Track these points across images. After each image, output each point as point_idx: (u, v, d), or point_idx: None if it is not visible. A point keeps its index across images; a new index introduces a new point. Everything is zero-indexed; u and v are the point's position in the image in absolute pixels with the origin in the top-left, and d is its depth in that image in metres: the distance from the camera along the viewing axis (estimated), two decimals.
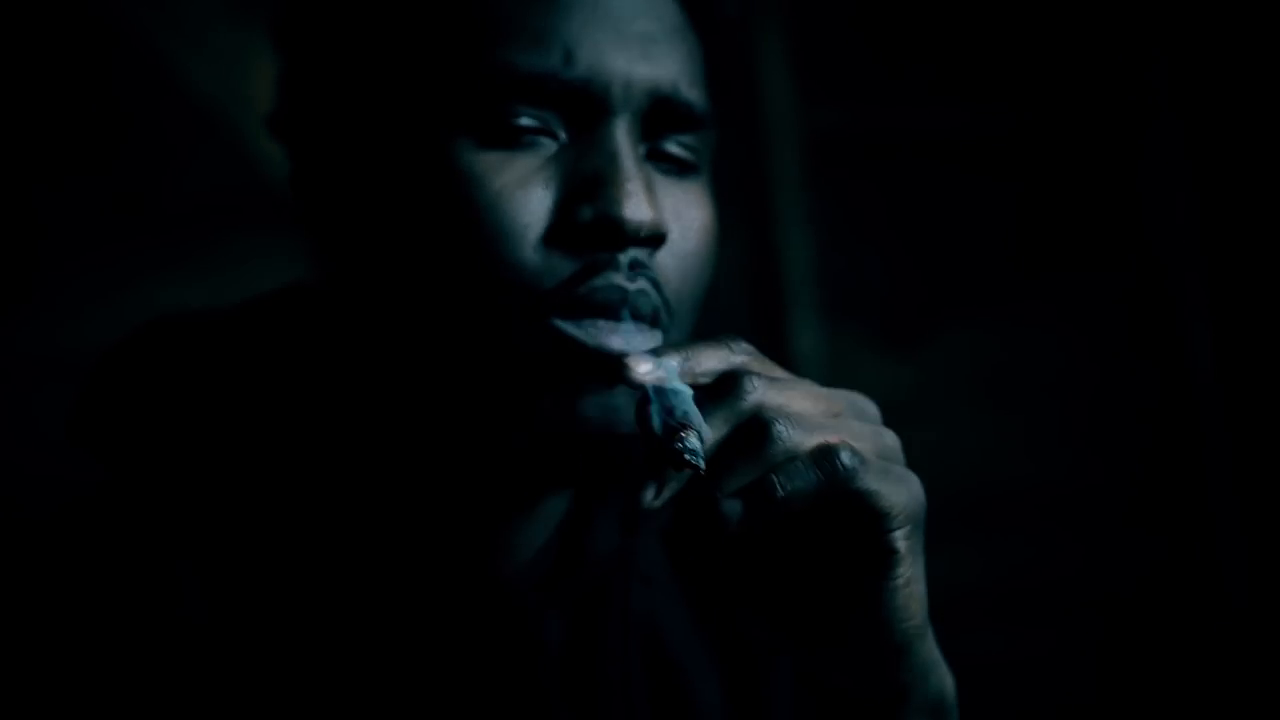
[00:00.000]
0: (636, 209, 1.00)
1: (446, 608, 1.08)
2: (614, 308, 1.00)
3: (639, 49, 1.03)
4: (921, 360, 2.95)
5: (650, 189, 1.02)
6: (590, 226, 1.00)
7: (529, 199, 1.00)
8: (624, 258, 1.01)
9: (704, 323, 1.09)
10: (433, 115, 1.02)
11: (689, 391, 0.92)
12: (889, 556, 0.93)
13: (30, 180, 2.40)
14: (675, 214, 1.05)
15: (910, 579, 0.95)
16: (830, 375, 2.86)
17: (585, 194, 1.01)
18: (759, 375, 0.93)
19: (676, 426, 0.90)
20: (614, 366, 0.94)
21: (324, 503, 1.08)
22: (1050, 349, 3.00)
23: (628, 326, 1.01)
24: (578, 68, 1.01)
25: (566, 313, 1.00)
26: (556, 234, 1.01)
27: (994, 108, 3.02)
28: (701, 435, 0.90)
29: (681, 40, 1.06)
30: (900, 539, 0.93)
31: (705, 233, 1.07)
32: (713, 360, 0.94)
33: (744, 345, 0.96)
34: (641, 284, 1.02)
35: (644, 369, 0.92)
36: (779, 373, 0.95)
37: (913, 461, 0.97)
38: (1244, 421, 3.01)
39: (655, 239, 1.02)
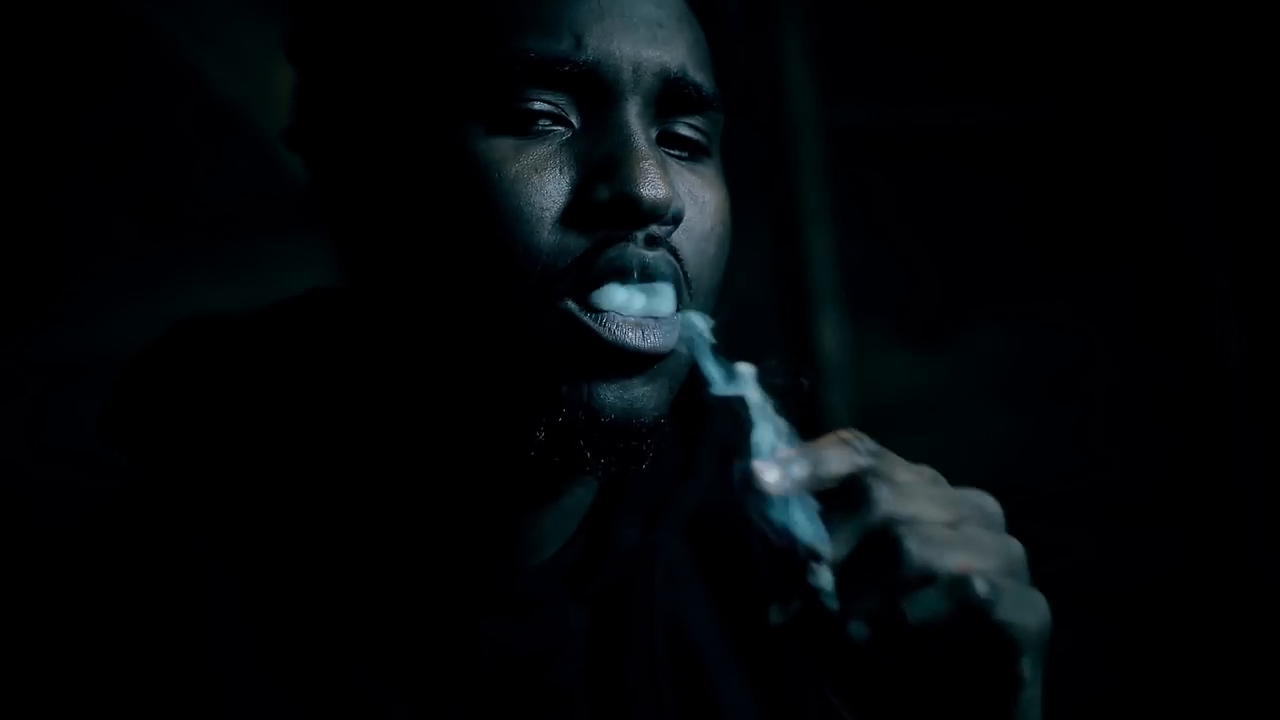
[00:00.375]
0: (653, 187, 1.00)
1: (471, 600, 1.08)
2: (628, 270, 1.01)
3: (646, 33, 1.04)
4: (944, 356, 2.94)
5: (665, 169, 1.02)
6: (607, 206, 1.01)
7: (544, 183, 1.01)
8: (640, 234, 1.01)
9: (730, 321, 1.09)
10: (448, 108, 1.02)
11: (814, 503, 0.89)
12: (1016, 682, 0.91)
13: (53, 184, 2.40)
14: (690, 195, 1.05)
15: (1032, 698, 0.92)
16: (853, 371, 2.87)
17: (601, 175, 1.01)
18: (885, 481, 0.90)
19: (807, 555, 0.88)
20: (743, 477, 0.90)
21: (350, 498, 1.09)
22: (1072, 345, 3.00)
23: (648, 314, 1.01)
24: (588, 51, 1.02)
25: (580, 289, 1.00)
26: (572, 215, 1.01)
27: (1015, 104, 3.02)
28: (828, 558, 0.88)
29: (687, 26, 1.07)
30: (1028, 666, 0.91)
31: (720, 214, 1.08)
32: (839, 463, 0.90)
33: (867, 442, 0.92)
34: (660, 252, 1.02)
35: (772, 477, 0.89)
36: (902, 472, 0.91)
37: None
38: (1272, 416, 3.00)
39: (672, 217, 1.02)
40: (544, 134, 1.02)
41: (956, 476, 0.95)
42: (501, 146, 1.01)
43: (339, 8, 1.09)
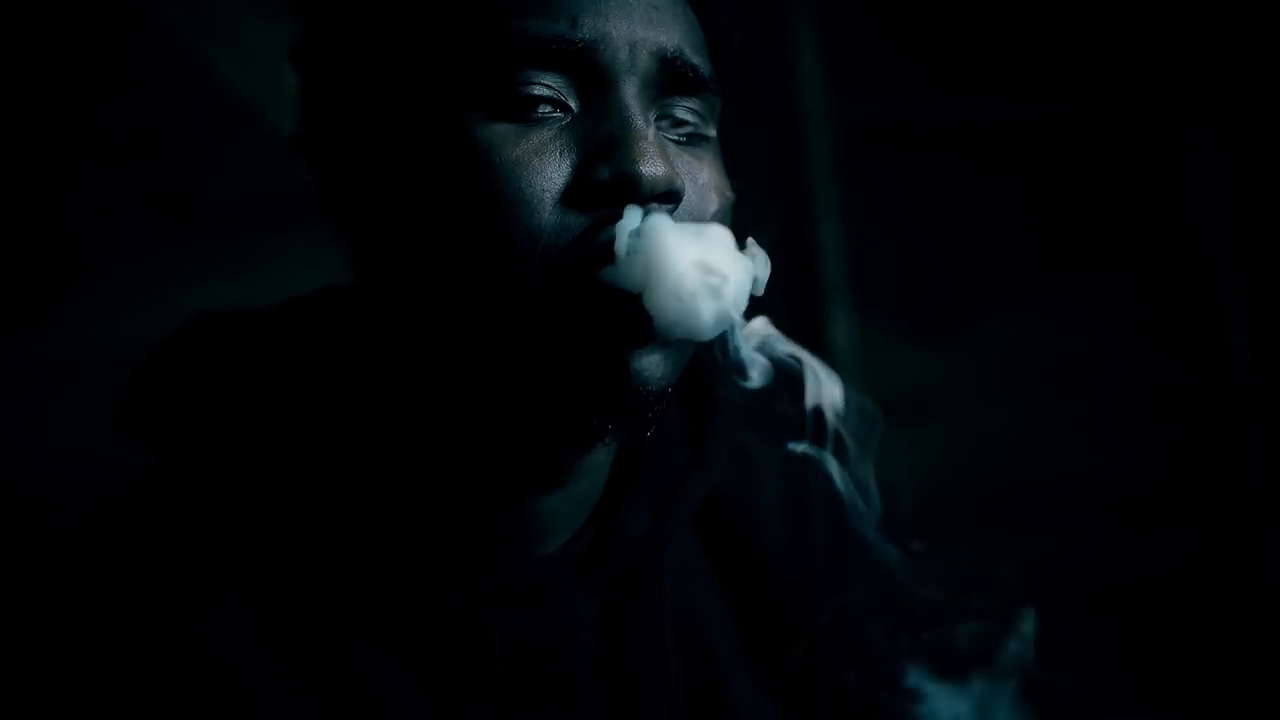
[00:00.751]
0: (652, 164, 1.01)
1: (481, 589, 1.09)
2: None
3: (642, 15, 1.06)
4: (954, 351, 2.94)
5: (663, 148, 1.03)
6: (607, 185, 1.02)
7: (545, 165, 1.02)
8: (640, 211, 1.02)
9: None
10: (449, 97, 1.03)
11: None
12: None
13: (62, 182, 2.41)
14: (689, 176, 1.07)
15: None
16: (863, 365, 2.87)
17: (601, 156, 1.03)
18: None
19: None
20: None
21: (364, 490, 1.09)
22: (1081, 340, 3.00)
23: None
24: (584, 30, 1.03)
25: (583, 266, 1.01)
26: (573, 196, 1.02)
27: (1025, 99, 3.02)
28: None
29: (682, 12, 1.09)
30: None
31: (719, 196, 1.09)
32: None
33: None
34: None
35: None
36: None
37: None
38: None
39: (671, 195, 1.03)
40: (544, 120, 1.03)
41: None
42: (502, 131, 1.02)
43: (343, 11, 1.10)
